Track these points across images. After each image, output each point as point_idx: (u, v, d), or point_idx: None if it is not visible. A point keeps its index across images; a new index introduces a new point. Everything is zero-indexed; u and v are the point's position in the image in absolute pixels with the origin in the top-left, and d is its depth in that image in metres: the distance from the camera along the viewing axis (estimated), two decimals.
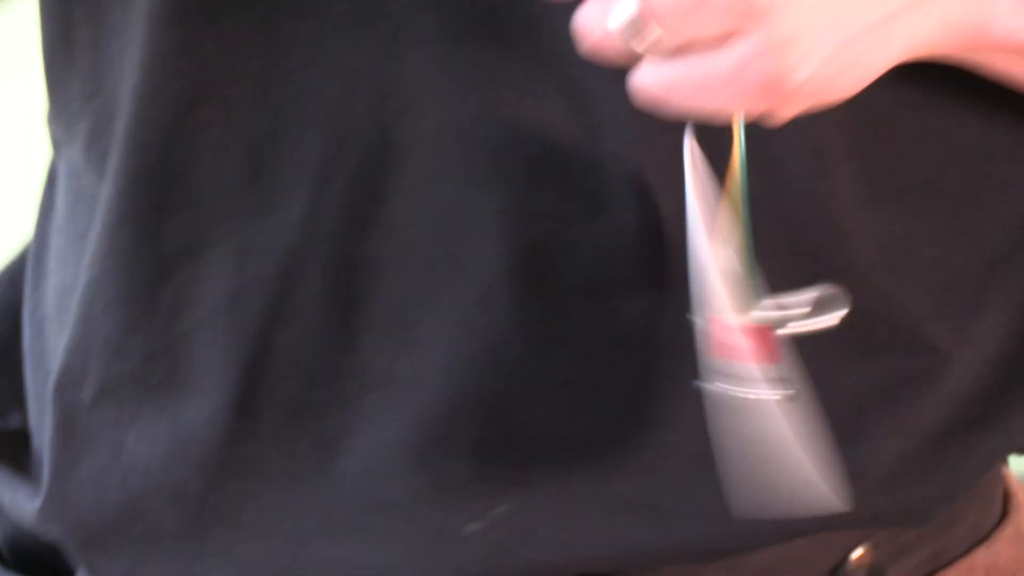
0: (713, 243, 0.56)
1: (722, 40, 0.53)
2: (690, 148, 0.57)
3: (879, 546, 0.70)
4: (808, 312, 0.57)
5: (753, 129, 0.57)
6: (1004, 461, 0.74)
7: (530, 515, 0.64)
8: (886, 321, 0.66)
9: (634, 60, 0.54)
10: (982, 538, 0.73)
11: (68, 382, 0.67)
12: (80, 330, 0.67)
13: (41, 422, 0.70)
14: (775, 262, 0.59)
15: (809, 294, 0.57)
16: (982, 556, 0.73)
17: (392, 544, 0.64)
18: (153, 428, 0.66)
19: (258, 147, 0.65)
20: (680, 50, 0.53)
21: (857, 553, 0.70)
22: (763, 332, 0.56)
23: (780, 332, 0.56)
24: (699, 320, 0.57)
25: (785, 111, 0.55)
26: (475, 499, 0.63)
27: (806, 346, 0.60)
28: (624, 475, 0.64)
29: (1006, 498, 0.75)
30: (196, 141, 0.65)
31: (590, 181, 0.62)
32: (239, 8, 0.63)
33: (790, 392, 0.56)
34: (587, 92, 0.60)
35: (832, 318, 0.57)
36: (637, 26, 0.53)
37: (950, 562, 0.72)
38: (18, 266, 0.76)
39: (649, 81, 0.54)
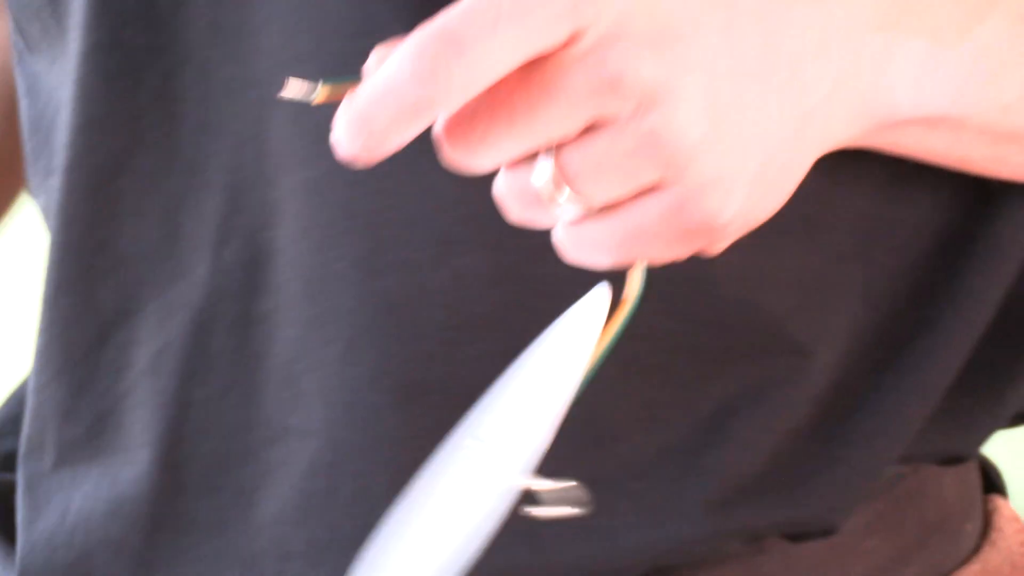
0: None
1: (645, 193, 0.52)
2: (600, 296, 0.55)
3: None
4: (553, 501, 0.55)
5: None
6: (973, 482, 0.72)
7: None
8: (745, 327, 0.65)
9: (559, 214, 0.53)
10: (963, 558, 0.72)
11: (31, 450, 0.71)
12: (36, 398, 0.71)
13: None
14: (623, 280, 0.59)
15: (562, 486, 0.54)
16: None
17: None
18: (96, 488, 0.69)
19: (170, 212, 0.68)
20: (605, 207, 0.52)
21: None
22: None
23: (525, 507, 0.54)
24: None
25: (715, 247, 0.54)
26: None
27: (667, 362, 0.62)
28: None
29: (985, 534, 0.73)
30: (117, 209, 0.69)
31: (435, 226, 0.63)
32: (137, 81, 0.67)
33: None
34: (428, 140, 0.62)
35: (572, 512, 0.54)
36: (557, 188, 0.52)
37: None
38: None
39: (575, 239, 0.53)
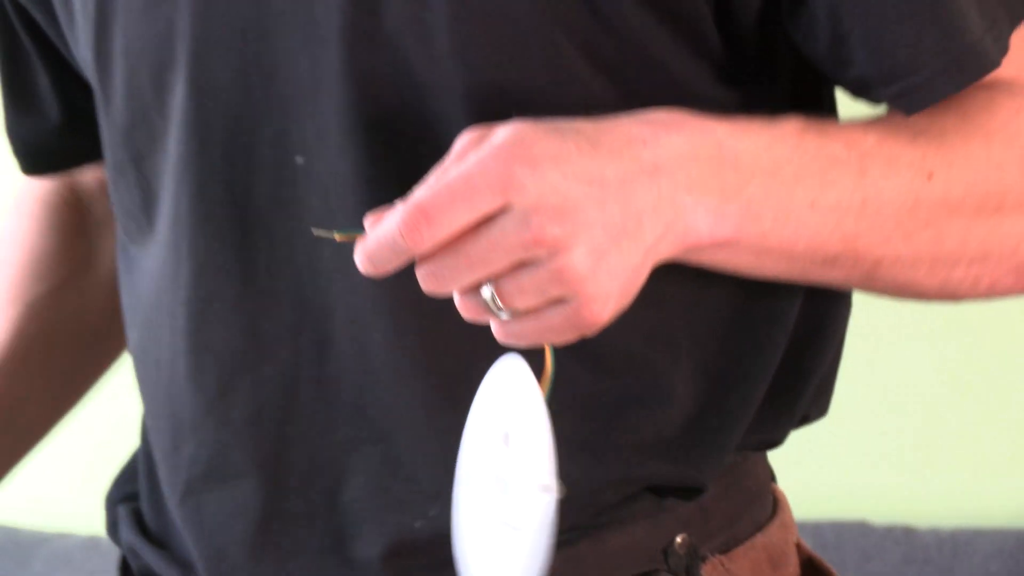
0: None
1: (553, 303, 0.80)
2: (520, 369, 0.85)
3: (692, 534, 0.97)
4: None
5: None
6: (765, 474, 1.05)
7: None
8: (620, 355, 0.95)
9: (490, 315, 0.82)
10: (759, 527, 1.03)
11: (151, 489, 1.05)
12: (154, 462, 1.04)
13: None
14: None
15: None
16: (760, 539, 1.02)
17: None
18: (219, 504, 0.99)
19: (253, 322, 0.97)
20: (525, 312, 0.81)
21: (679, 538, 0.97)
22: None
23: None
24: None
25: (594, 332, 0.83)
26: None
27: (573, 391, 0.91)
28: None
29: (775, 503, 1.05)
30: (211, 325, 0.98)
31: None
32: (223, 244, 0.96)
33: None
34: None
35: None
36: (495, 303, 0.81)
37: (740, 543, 1.00)
38: None
39: (506, 331, 0.82)
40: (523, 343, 0.84)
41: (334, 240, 0.86)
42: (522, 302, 0.82)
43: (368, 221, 0.82)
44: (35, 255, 1.21)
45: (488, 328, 0.86)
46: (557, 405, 0.87)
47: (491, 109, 0.89)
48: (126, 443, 1.50)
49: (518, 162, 0.80)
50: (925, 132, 0.93)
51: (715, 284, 0.98)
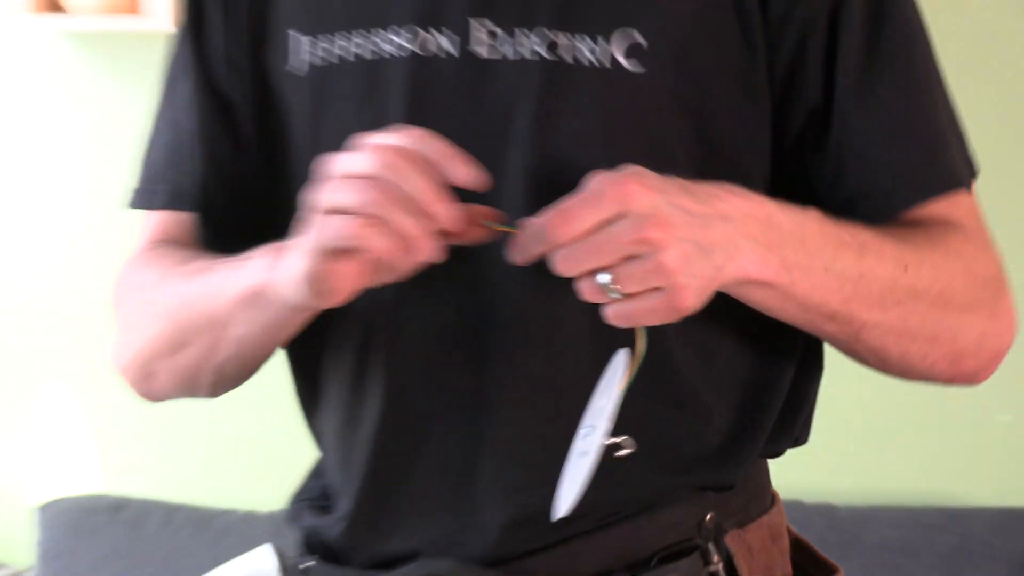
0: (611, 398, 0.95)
1: (652, 291, 0.91)
2: (623, 357, 0.95)
3: (718, 513, 1.08)
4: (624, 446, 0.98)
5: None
6: (767, 475, 1.15)
7: None
8: (687, 396, 1.07)
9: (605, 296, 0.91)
10: (764, 512, 1.13)
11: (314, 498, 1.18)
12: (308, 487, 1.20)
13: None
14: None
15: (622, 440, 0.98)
16: (765, 519, 1.13)
17: None
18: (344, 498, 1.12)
19: (349, 397, 1.11)
20: (631, 295, 0.91)
21: (708, 516, 1.07)
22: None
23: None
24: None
25: (679, 318, 0.93)
26: None
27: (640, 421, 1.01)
28: None
29: (773, 496, 1.16)
30: (320, 400, 1.14)
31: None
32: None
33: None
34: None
35: (630, 449, 0.98)
36: (611, 285, 0.91)
37: (751, 521, 1.10)
38: None
39: (616, 312, 0.91)
40: (628, 323, 0.93)
41: (503, 233, 0.95)
42: (630, 287, 0.91)
43: (522, 222, 0.94)
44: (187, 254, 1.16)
45: (586, 351, 1.00)
46: (635, 428, 0.97)
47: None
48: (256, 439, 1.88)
49: (635, 184, 0.91)
50: (904, 239, 1.04)
51: (750, 331, 1.08)
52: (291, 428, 1.64)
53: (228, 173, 1.14)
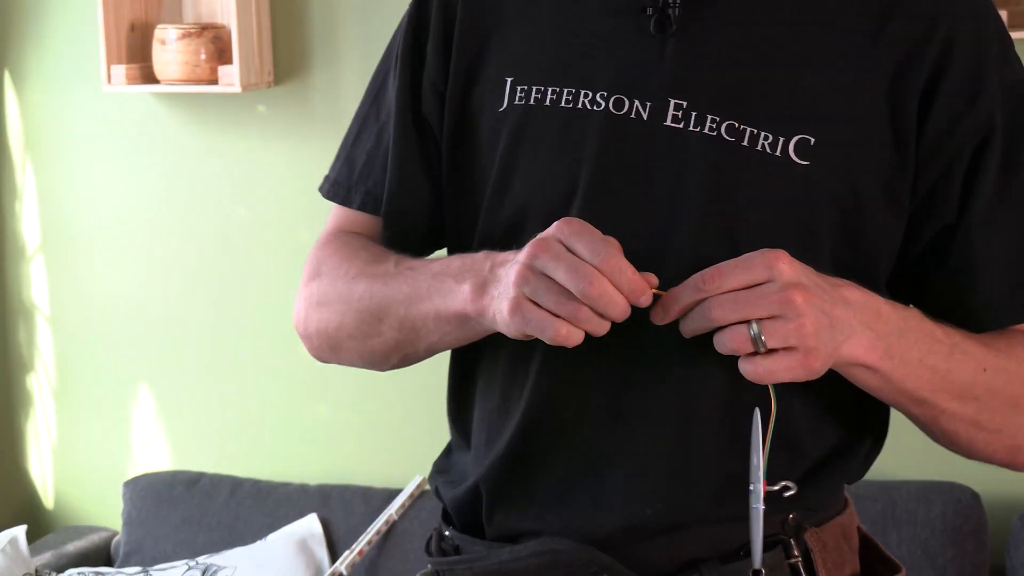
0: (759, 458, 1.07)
1: (789, 350, 1.02)
2: (759, 417, 1.05)
3: (799, 514, 1.19)
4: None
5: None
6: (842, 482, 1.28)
7: None
8: (789, 435, 1.18)
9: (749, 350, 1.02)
10: (838, 513, 1.24)
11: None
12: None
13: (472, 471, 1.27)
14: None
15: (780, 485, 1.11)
16: (839, 520, 1.23)
17: None
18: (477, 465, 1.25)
19: (502, 396, 1.22)
20: (770, 351, 1.02)
21: (791, 516, 1.18)
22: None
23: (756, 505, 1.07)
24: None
25: (809, 377, 1.04)
26: None
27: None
28: None
29: (846, 500, 1.26)
30: (468, 404, 1.27)
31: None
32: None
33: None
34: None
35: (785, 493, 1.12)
36: (758, 336, 1.02)
37: (827, 522, 1.21)
38: None
39: (755, 368, 1.01)
40: (764, 379, 1.03)
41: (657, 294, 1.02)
42: (772, 342, 1.01)
43: (675, 290, 1.06)
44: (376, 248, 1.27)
45: (717, 400, 1.09)
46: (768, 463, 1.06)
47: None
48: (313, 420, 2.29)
49: (781, 261, 1.03)
50: (987, 344, 1.16)
51: (847, 399, 1.18)
52: (335, 415, 2.53)
53: (415, 189, 1.25)
